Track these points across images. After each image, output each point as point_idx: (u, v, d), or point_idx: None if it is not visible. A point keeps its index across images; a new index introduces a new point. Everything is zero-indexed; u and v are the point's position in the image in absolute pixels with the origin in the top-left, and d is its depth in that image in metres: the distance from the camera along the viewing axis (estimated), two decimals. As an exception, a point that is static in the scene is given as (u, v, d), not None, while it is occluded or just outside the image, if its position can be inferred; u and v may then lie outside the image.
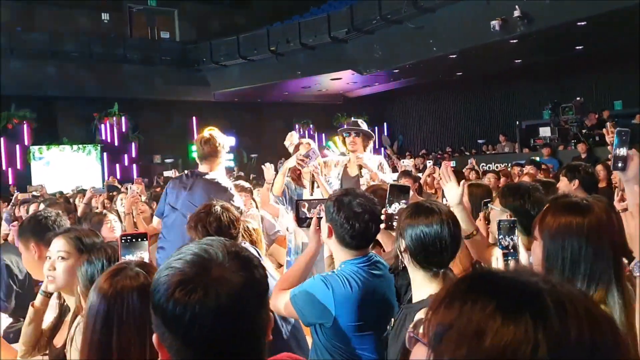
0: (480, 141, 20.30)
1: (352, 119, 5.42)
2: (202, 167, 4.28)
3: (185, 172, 4.63)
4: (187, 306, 0.98)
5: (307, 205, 2.66)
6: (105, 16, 19.64)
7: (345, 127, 5.33)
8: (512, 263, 1.94)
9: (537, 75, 18.98)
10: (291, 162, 4.80)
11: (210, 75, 20.01)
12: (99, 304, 1.50)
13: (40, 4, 18.10)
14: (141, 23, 20.97)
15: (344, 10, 16.62)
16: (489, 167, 13.46)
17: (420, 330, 0.81)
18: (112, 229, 4.61)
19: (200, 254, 1.05)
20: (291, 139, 5.23)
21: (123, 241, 1.88)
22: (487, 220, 3.09)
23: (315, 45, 17.25)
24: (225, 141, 4.42)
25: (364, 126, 5.20)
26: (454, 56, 15.29)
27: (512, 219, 2.09)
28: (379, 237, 2.77)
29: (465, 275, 0.79)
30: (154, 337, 1.05)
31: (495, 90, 21.20)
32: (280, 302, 2.40)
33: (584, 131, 13.69)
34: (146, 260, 1.77)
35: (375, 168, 4.92)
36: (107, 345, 1.45)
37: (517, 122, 17.38)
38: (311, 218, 2.58)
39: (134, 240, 1.91)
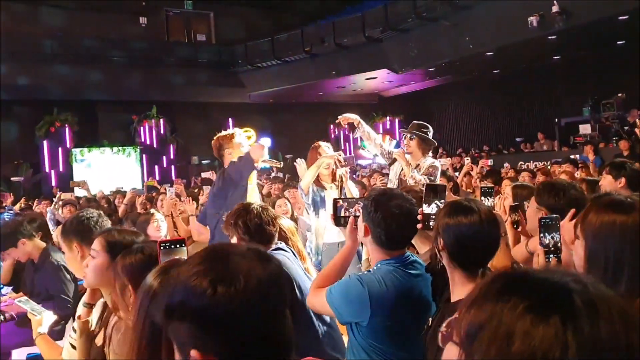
0: (518, 139, 19.97)
1: (414, 121, 5.39)
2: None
3: None
4: (235, 298, 0.96)
5: (345, 204, 2.64)
6: (143, 20, 20.00)
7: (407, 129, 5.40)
8: (553, 261, 1.91)
9: (577, 71, 18.58)
10: (328, 160, 4.87)
11: (246, 76, 20.18)
12: (149, 302, 1.47)
13: (82, 10, 18.52)
14: (178, 26, 21.29)
15: (378, 9, 16.53)
16: (527, 166, 13.25)
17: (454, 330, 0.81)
18: (158, 229, 4.73)
19: (211, 251, 1.06)
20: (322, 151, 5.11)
21: (162, 248, 1.89)
22: (515, 224, 3.06)
23: (350, 45, 17.22)
24: (229, 135, 4.64)
25: (429, 132, 5.22)
26: (491, 53, 15.08)
27: (554, 215, 2.05)
28: (413, 240, 2.77)
29: (498, 275, 0.78)
30: (194, 352, 0.98)
31: (533, 88, 20.81)
32: (317, 300, 2.41)
33: (626, 128, 13.34)
34: None
35: (423, 169, 4.92)
36: (155, 346, 1.40)
37: (556, 120, 17.06)
38: (348, 217, 2.56)
39: (172, 246, 1.91)
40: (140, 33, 19.78)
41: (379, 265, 2.35)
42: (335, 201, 2.66)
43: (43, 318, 2.55)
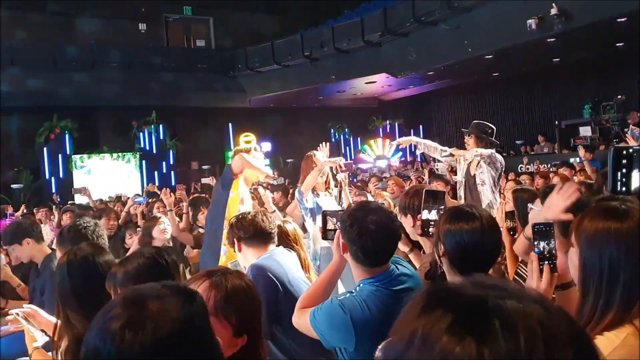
0: (518, 142, 19.96)
1: (475, 121, 5.93)
2: None
3: None
4: (133, 349, 0.94)
5: (333, 216, 2.55)
6: (142, 26, 20.03)
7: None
8: (546, 268, 1.88)
9: (576, 73, 18.58)
10: (329, 164, 4.91)
11: (246, 81, 20.20)
12: None
13: (81, 16, 18.55)
14: (177, 32, 21.32)
15: (377, 13, 16.56)
16: (528, 169, 13.22)
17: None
18: (164, 231, 4.75)
19: (132, 292, 1.04)
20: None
21: None
22: (510, 231, 3.04)
23: (350, 49, 17.24)
24: (246, 150, 4.56)
25: (491, 131, 5.69)
26: (490, 57, 15.07)
27: (549, 222, 2.02)
28: (420, 239, 2.74)
29: (422, 292, 0.77)
30: None
31: (533, 90, 20.82)
32: (302, 322, 2.32)
33: (625, 130, 13.33)
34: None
35: (471, 157, 5.39)
36: None
37: (557, 122, 17.05)
38: (335, 230, 2.43)
39: None
40: (140, 39, 19.80)
41: (360, 284, 2.24)
42: (324, 213, 2.60)
43: (36, 334, 2.53)
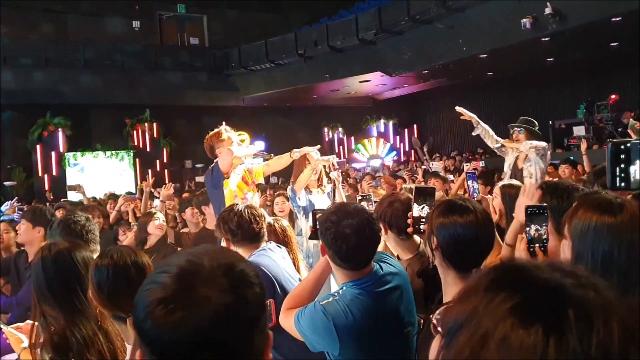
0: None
1: (522, 117, 6.18)
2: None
3: None
4: (165, 327, 0.89)
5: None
6: (136, 24, 19.96)
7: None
8: (537, 251, 1.87)
9: (571, 73, 18.64)
10: (323, 162, 4.89)
11: (240, 80, 20.16)
12: None
13: (75, 14, 18.47)
14: (171, 30, 21.26)
15: (372, 12, 16.55)
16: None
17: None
18: (160, 227, 4.75)
19: (186, 267, 0.94)
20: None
21: None
22: None
23: (344, 48, 17.23)
24: (216, 133, 4.57)
25: (536, 126, 5.95)
26: (484, 56, 15.09)
27: (543, 204, 2.00)
28: (389, 245, 2.72)
29: (494, 266, 0.72)
30: (138, 352, 0.95)
31: (527, 90, 20.87)
32: (288, 323, 2.27)
33: (619, 130, 13.38)
34: None
35: (525, 148, 5.61)
36: None
37: (551, 122, 17.08)
38: None
39: None
40: (134, 37, 19.74)
41: (344, 287, 2.19)
42: (314, 213, 2.57)
43: (20, 335, 2.51)
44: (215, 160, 4.44)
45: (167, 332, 0.89)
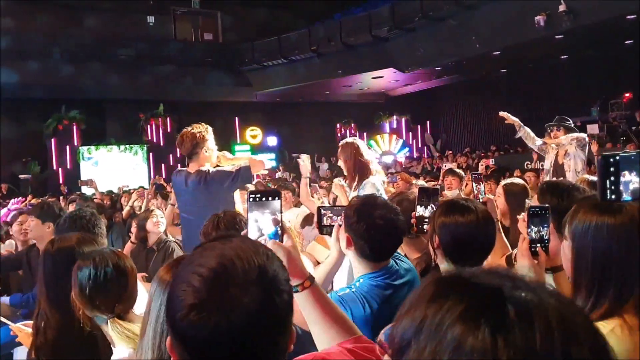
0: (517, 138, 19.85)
1: (557, 117, 6.54)
2: (191, 166, 4.21)
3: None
4: (200, 329, 0.94)
5: (329, 212, 2.50)
6: (150, 19, 20.06)
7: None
8: (539, 251, 1.90)
9: (584, 71, 18.48)
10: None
11: (252, 75, 20.21)
12: (162, 296, 1.48)
13: (90, 9, 18.60)
14: (185, 25, 21.33)
15: (385, 9, 16.53)
16: (534, 165, 13.19)
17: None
18: (157, 224, 4.75)
19: (218, 270, 0.97)
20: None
21: (251, 199, 1.60)
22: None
23: (357, 44, 17.21)
24: (202, 132, 4.22)
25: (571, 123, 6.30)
26: (498, 53, 15.03)
27: (544, 205, 2.03)
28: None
29: (433, 279, 0.75)
30: (168, 340, 1.01)
31: (540, 87, 20.72)
32: (298, 315, 2.28)
33: (633, 128, 13.27)
34: (279, 219, 1.57)
35: (567, 141, 5.94)
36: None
37: (564, 120, 16.94)
38: (332, 226, 2.38)
39: (263, 198, 1.62)
40: (148, 32, 19.84)
41: (361, 279, 2.20)
42: (319, 209, 2.56)
43: (28, 330, 2.55)
44: (240, 165, 4.18)
45: (200, 335, 0.94)
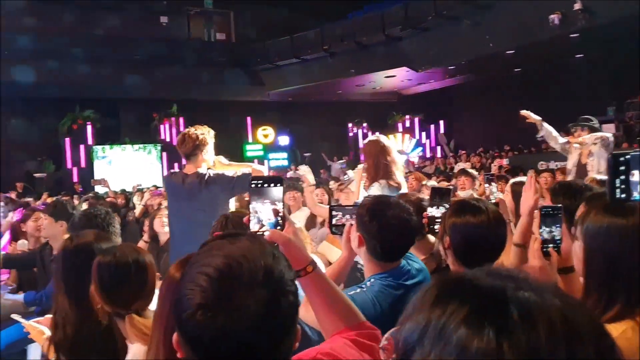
0: (539, 138, 19.72)
1: (581, 116, 6.52)
2: (188, 167, 4.15)
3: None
4: (206, 329, 0.95)
5: (340, 212, 2.49)
6: (164, 19, 20.17)
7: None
8: (551, 252, 1.88)
9: (600, 70, 18.30)
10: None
11: (265, 75, 20.25)
12: (172, 293, 1.49)
13: (104, 9, 18.74)
14: (199, 25, 21.42)
15: (398, 8, 16.49)
16: (548, 166, 13.10)
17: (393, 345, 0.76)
18: (163, 225, 4.77)
19: (224, 271, 0.98)
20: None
21: (253, 186, 1.54)
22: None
23: (370, 43, 17.19)
24: (205, 135, 4.17)
25: (596, 123, 6.33)
26: (511, 52, 14.94)
27: (557, 205, 2.01)
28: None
29: (434, 282, 0.75)
30: (175, 336, 1.03)
31: (554, 87, 20.53)
32: (310, 315, 2.29)
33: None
34: (280, 209, 1.51)
35: (591, 141, 5.96)
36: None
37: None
38: (343, 225, 2.36)
39: (265, 185, 1.54)
40: (162, 32, 19.94)
41: (372, 279, 2.18)
42: (330, 209, 2.55)
43: (41, 327, 2.57)
44: (242, 172, 4.08)
45: (206, 334, 0.96)
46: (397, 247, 2.18)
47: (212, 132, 4.25)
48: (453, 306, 0.67)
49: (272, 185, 1.52)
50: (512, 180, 3.52)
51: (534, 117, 6.07)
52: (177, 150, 4.38)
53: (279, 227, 1.47)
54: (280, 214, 1.49)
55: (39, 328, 2.49)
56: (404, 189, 4.17)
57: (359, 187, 4.19)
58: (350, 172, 4.76)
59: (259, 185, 1.52)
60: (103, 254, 2.08)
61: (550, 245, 1.94)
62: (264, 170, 4.31)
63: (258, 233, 1.43)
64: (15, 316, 2.92)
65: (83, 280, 2.11)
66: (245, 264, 0.99)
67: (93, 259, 2.08)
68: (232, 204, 4.26)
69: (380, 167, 4.07)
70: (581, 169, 5.94)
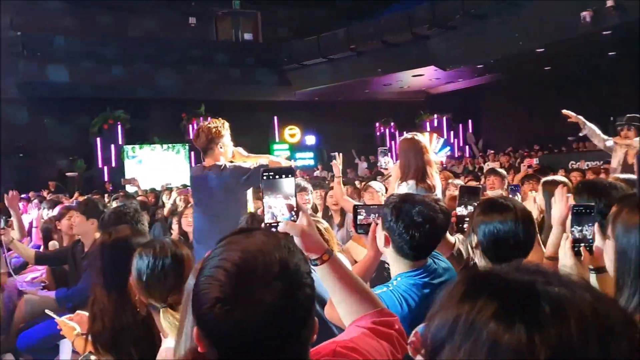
0: (570, 138, 19.41)
1: (628, 115, 6.36)
2: (207, 161, 4.16)
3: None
4: (225, 322, 0.97)
5: (365, 211, 2.46)
6: (192, 20, 20.38)
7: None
8: (583, 251, 1.86)
9: (633, 68, 17.92)
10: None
11: (292, 74, 20.30)
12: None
13: (134, 11, 19.02)
14: (226, 26, 21.57)
15: (426, 6, 16.39)
16: (579, 166, 12.89)
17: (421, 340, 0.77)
18: (189, 224, 4.83)
19: (240, 265, 1.00)
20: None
21: (264, 178, 1.47)
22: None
23: (397, 42, 17.11)
24: (218, 127, 4.11)
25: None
26: (541, 50, 14.72)
27: (590, 204, 1.98)
28: None
29: (463, 276, 0.74)
30: (195, 329, 1.04)
31: (586, 85, 20.19)
32: (336, 314, 2.27)
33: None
34: (294, 204, 1.47)
35: (637, 144, 5.83)
36: None
37: (612, 118, 16.49)
38: (369, 224, 2.36)
39: (277, 176, 1.47)
40: (190, 33, 20.15)
41: (398, 278, 2.17)
42: (355, 207, 2.52)
43: (72, 323, 2.62)
44: (259, 164, 4.11)
45: (224, 327, 0.98)
46: (424, 245, 2.16)
47: (226, 125, 4.18)
48: (482, 301, 0.67)
49: (283, 176, 1.47)
50: (544, 179, 3.47)
51: (575, 116, 5.98)
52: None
53: (293, 219, 1.45)
54: (295, 209, 1.47)
55: (70, 324, 2.54)
56: (438, 192, 4.05)
57: (394, 185, 4.09)
58: (390, 164, 4.71)
59: (270, 177, 1.48)
60: (143, 246, 2.13)
61: (582, 244, 1.91)
62: (282, 162, 4.30)
63: (272, 225, 1.42)
64: (48, 312, 2.99)
65: (120, 273, 2.17)
66: (260, 258, 1.01)
67: (130, 252, 2.14)
68: (251, 201, 4.30)
69: (411, 167, 3.97)
70: (628, 167, 5.79)
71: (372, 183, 5.67)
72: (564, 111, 5.90)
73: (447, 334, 0.68)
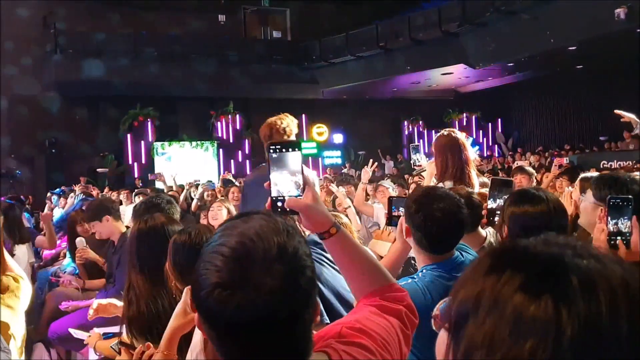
0: (602, 138, 19.06)
1: None
2: None
3: None
4: (224, 307, 0.97)
5: (399, 203, 2.48)
6: (221, 18, 20.52)
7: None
8: (619, 244, 1.81)
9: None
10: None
11: (320, 72, 20.30)
12: None
13: (164, 9, 19.22)
14: (255, 23, 21.68)
15: (455, 3, 16.22)
16: (611, 165, 12.65)
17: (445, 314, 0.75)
18: (215, 217, 4.87)
19: (238, 249, 1.00)
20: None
21: (271, 151, 1.42)
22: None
23: (426, 40, 16.98)
24: (281, 126, 3.81)
25: None
26: (574, 48, 14.46)
27: (627, 196, 1.93)
28: None
29: (490, 249, 0.73)
30: (196, 315, 1.05)
31: (619, 84, 19.79)
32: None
33: None
34: (300, 181, 1.40)
35: None
36: None
37: (645, 117, 16.15)
38: (400, 216, 2.34)
39: (283, 150, 1.41)
40: (219, 30, 20.29)
41: (423, 270, 2.18)
42: (389, 199, 2.54)
43: (97, 330, 2.68)
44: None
45: (224, 312, 0.97)
46: (443, 239, 2.16)
47: (295, 122, 3.86)
48: (508, 274, 0.65)
49: (290, 150, 1.42)
50: (582, 175, 3.40)
51: (628, 115, 5.84)
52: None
53: (299, 195, 1.42)
54: (301, 187, 1.43)
55: (110, 302, 2.61)
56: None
57: (429, 181, 3.96)
58: (423, 161, 4.59)
59: (277, 151, 1.43)
60: (179, 233, 2.18)
61: (618, 237, 1.87)
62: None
63: (278, 198, 1.40)
64: (72, 330, 3.06)
65: (156, 258, 2.24)
66: (258, 242, 1.00)
67: (165, 238, 2.21)
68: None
69: (449, 166, 3.66)
70: None
71: (383, 182, 5.73)
72: (617, 111, 5.75)
73: (472, 308, 0.67)
